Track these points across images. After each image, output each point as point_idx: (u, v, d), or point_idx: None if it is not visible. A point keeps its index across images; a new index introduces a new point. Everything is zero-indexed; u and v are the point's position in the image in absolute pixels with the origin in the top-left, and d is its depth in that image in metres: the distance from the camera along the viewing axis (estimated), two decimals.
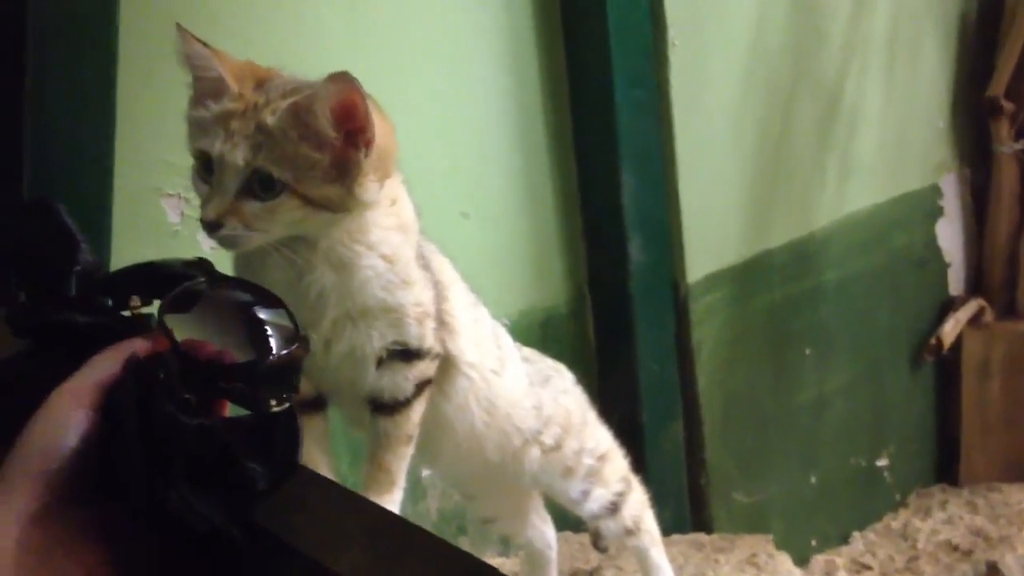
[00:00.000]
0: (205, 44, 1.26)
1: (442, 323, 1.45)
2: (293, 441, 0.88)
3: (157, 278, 0.98)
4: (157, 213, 1.93)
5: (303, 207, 1.25)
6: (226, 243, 1.25)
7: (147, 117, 1.86)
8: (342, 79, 1.20)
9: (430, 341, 1.42)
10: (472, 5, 2.45)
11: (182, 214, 1.95)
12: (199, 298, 0.95)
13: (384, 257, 1.34)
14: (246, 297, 0.97)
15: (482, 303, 1.60)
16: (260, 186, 1.22)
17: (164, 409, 0.84)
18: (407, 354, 1.40)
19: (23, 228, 1.03)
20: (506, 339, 1.67)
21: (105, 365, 0.89)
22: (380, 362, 1.39)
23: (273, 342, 0.93)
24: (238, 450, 0.85)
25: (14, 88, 1.54)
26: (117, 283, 0.99)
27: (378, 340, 1.37)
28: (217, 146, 1.21)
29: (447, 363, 1.48)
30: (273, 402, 0.89)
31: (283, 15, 2.12)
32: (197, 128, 1.25)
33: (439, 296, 1.44)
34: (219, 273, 0.99)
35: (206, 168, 1.24)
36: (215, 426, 0.85)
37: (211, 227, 1.23)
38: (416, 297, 1.38)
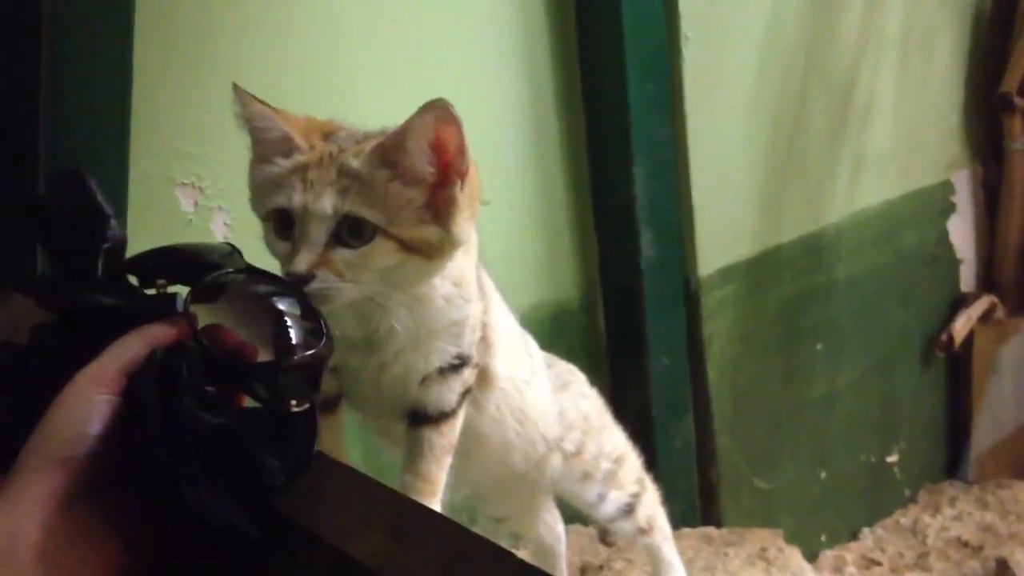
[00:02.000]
0: (265, 103, 1.22)
1: (482, 337, 1.43)
2: (310, 436, 0.87)
3: (186, 263, 0.96)
4: (171, 202, 1.94)
5: (398, 251, 1.19)
6: (317, 298, 1.14)
7: (162, 107, 1.87)
8: (440, 107, 1.15)
9: (475, 348, 1.40)
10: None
11: (196, 203, 1.96)
12: (226, 288, 0.94)
13: (455, 283, 1.32)
14: (273, 291, 0.96)
15: (511, 313, 1.57)
16: (350, 233, 1.18)
17: (184, 404, 0.83)
18: (459, 366, 1.38)
19: (54, 199, 1.01)
20: (533, 346, 1.66)
21: (129, 350, 0.89)
22: (427, 376, 1.37)
23: (297, 341, 0.92)
24: (255, 446, 0.84)
25: (31, 78, 1.54)
26: (145, 265, 0.97)
27: (437, 360, 1.35)
28: (297, 198, 1.17)
29: (483, 376, 1.46)
30: (294, 402, 0.87)
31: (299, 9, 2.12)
32: (267, 186, 1.20)
33: (485, 310, 1.43)
34: (248, 264, 0.98)
35: (284, 225, 1.19)
36: (234, 424, 0.84)
37: (301, 281, 1.15)
38: (475, 309, 1.37)
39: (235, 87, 1.21)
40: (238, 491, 0.84)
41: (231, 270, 0.95)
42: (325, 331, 0.92)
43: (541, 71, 2.57)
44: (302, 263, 1.16)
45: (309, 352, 0.90)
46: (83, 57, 1.62)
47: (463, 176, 1.20)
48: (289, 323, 0.93)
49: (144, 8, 1.74)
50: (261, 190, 1.22)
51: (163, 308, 0.94)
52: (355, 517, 0.87)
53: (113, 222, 0.97)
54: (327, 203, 1.16)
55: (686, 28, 2.68)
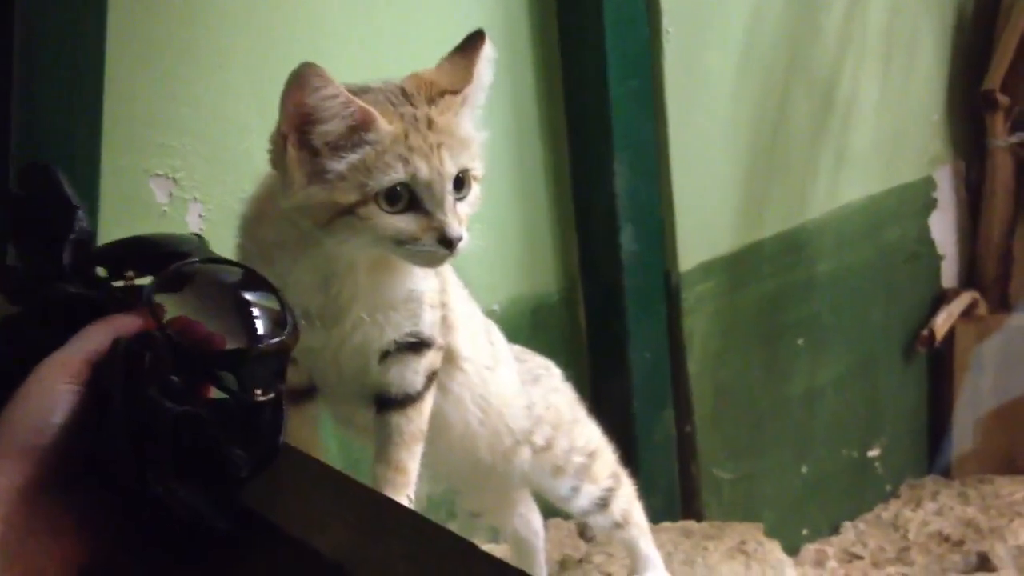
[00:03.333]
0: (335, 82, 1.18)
1: (443, 317, 1.43)
2: (277, 426, 0.87)
3: (151, 253, 0.96)
4: (146, 194, 1.93)
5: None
6: (459, 253, 1.22)
7: (137, 98, 1.85)
8: (481, 35, 1.25)
9: (437, 330, 1.40)
10: None
11: (170, 195, 1.95)
12: (191, 278, 0.93)
13: None
14: (238, 281, 0.94)
15: (472, 300, 1.57)
16: (456, 187, 1.22)
17: (148, 394, 0.83)
18: (418, 345, 1.37)
19: (21, 191, 1.01)
20: (498, 336, 1.66)
21: (94, 339, 0.88)
22: (385, 355, 1.36)
23: (262, 329, 0.90)
24: (221, 435, 0.84)
25: (1, 69, 1.53)
26: (111, 255, 0.98)
27: (392, 332, 1.34)
28: (423, 168, 1.17)
29: (446, 355, 1.46)
30: (259, 392, 0.86)
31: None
32: (360, 169, 1.18)
33: (443, 289, 1.43)
34: (213, 253, 0.98)
35: (396, 201, 1.19)
36: (199, 413, 0.83)
37: (456, 243, 1.20)
38: (431, 284, 1.37)
39: (309, 65, 1.15)
40: (205, 483, 0.83)
41: (196, 260, 0.94)
42: (291, 320, 0.91)
43: (523, 66, 2.57)
44: (455, 224, 1.20)
45: (275, 340, 0.89)
46: (55, 48, 1.60)
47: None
48: (255, 312, 0.92)
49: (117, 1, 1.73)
50: (351, 177, 1.18)
51: (130, 299, 0.94)
52: (322, 511, 0.87)
53: (81, 213, 0.97)
54: (450, 164, 1.19)
55: (667, 24, 2.69)
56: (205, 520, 0.83)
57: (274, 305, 0.92)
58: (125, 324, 0.90)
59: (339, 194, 1.18)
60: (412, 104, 1.21)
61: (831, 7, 3.17)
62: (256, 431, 0.86)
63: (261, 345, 0.89)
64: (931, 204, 3.73)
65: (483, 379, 1.55)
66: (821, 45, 3.17)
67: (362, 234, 1.20)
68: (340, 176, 1.18)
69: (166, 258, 0.94)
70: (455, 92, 1.23)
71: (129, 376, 0.84)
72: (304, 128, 1.18)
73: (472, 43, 1.25)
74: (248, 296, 0.93)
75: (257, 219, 1.32)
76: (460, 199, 1.22)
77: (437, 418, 1.47)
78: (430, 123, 1.19)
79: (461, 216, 1.22)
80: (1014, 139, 3.77)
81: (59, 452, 0.83)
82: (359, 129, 1.18)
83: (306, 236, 1.25)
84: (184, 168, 1.96)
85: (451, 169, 1.19)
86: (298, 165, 1.19)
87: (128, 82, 1.83)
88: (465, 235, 1.21)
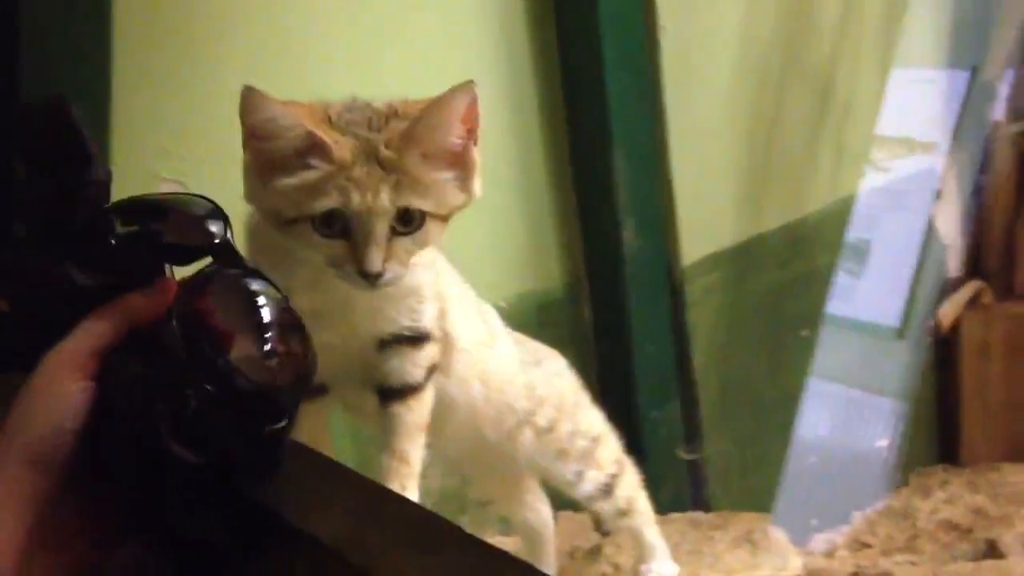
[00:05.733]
0: (283, 103, 1.22)
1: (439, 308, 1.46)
2: (283, 444, 0.84)
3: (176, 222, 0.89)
4: None
5: (441, 226, 1.27)
6: (382, 287, 1.24)
7: (144, 103, 1.88)
8: (468, 86, 1.22)
9: (435, 323, 1.43)
10: None
11: None
12: (213, 281, 0.86)
13: None
14: (276, 309, 0.85)
15: (464, 283, 1.60)
16: (402, 221, 1.23)
17: (160, 431, 0.79)
18: (417, 339, 1.41)
19: (28, 139, 0.90)
20: (492, 315, 1.69)
21: (105, 327, 0.84)
22: (383, 344, 1.40)
23: (289, 364, 0.83)
24: (231, 463, 0.81)
25: (7, 81, 1.55)
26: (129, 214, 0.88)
27: (392, 326, 1.38)
28: (356, 199, 1.19)
29: (445, 342, 1.49)
30: (271, 425, 0.82)
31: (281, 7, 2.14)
32: (301, 191, 1.21)
33: (436, 281, 1.45)
34: (240, 259, 0.90)
35: (330, 226, 1.22)
36: (212, 431, 0.80)
37: (374, 277, 1.22)
38: (428, 277, 1.40)
39: (249, 89, 1.20)
40: (213, 502, 0.82)
41: (224, 267, 0.87)
42: (309, 353, 0.86)
43: (520, 62, 2.59)
44: (376, 261, 1.21)
45: (298, 376, 0.84)
46: (62, 55, 1.63)
47: (477, 138, 1.27)
48: (293, 347, 0.85)
49: (123, 5, 1.75)
50: (292, 195, 1.22)
51: (140, 278, 0.88)
52: (320, 499, 0.88)
53: (96, 163, 0.88)
54: (385, 200, 1.20)
55: (664, 19, 2.70)
56: (219, 543, 0.84)
57: (298, 334, 0.86)
58: (139, 309, 0.85)
59: (282, 208, 1.23)
60: (367, 136, 1.23)
61: None
62: (265, 455, 0.83)
63: (278, 383, 0.82)
64: (935, 194, 3.73)
65: (482, 356, 1.59)
66: (818, 36, 3.18)
67: (303, 248, 1.25)
68: (282, 192, 1.22)
69: (191, 225, 0.88)
70: (402, 120, 1.24)
71: (140, 374, 0.81)
72: (254, 141, 1.23)
73: (457, 89, 1.24)
74: (269, 317, 0.85)
75: (261, 221, 1.35)
76: (404, 234, 1.24)
77: (443, 399, 1.50)
78: (381, 158, 1.21)
79: (399, 252, 1.23)
80: (1016, 128, 3.78)
81: (74, 459, 0.81)
82: (306, 152, 1.21)
83: None
84: (192, 173, 1.98)
85: (386, 205, 1.20)
86: (251, 172, 1.25)
87: (135, 87, 1.86)
88: (393, 272, 1.23)
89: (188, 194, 0.92)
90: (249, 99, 1.20)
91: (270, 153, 1.23)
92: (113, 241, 0.87)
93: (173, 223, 0.89)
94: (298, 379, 0.84)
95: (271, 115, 1.20)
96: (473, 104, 1.24)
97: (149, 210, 0.90)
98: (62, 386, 0.82)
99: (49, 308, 0.87)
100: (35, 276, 0.88)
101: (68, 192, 0.87)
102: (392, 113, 1.26)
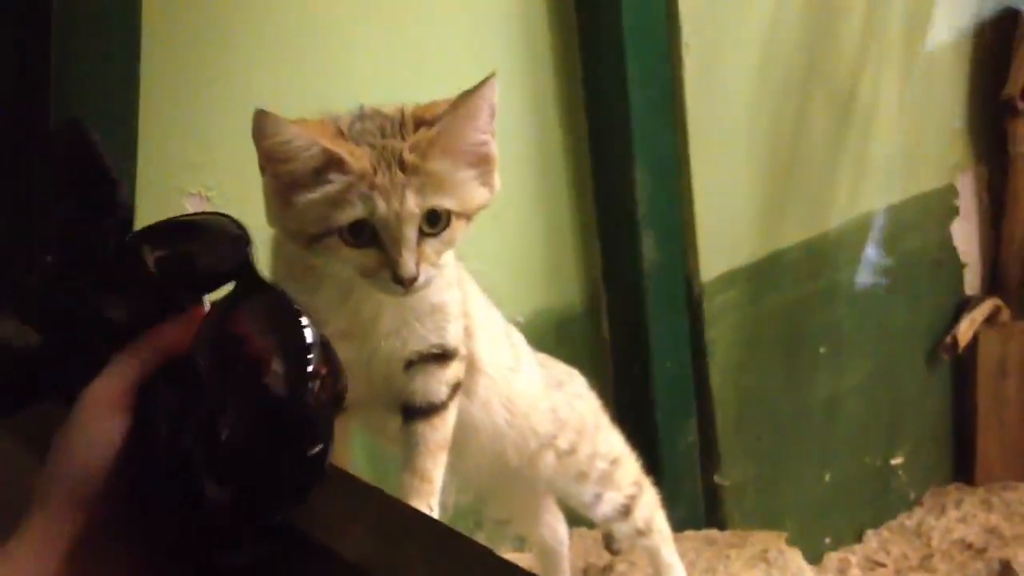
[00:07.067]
0: (295, 122, 1.21)
1: (464, 327, 1.45)
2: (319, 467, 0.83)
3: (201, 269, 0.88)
4: (179, 212, 1.96)
5: (467, 225, 1.27)
6: (417, 291, 1.25)
7: (170, 118, 1.89)
8: (493, 78, 1.24)
9: (461, 341, 1.43)
10: (487, 5, 2.47)
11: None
12: (246, 305, 0.85)
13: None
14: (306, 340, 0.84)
15: (492, 305, 1.60)
16: (429, 223, 1.23)
17: (192, 470, 0.79)
18: (442, 357, 1.40)
19: (51, 165, 0.89)
20: (518, 338, 1.69)
21: (139, 362, 0.85)
22: (409, 365, 1.39)
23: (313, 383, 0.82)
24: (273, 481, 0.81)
25: (38, 94, 1.56)
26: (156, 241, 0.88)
27: (418, 344, 1.38)
28: (381, 206, 1.20)
29: (469, 363, 1.48)
30: (311, 448, 0.81)
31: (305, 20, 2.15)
32: (322, 205, 1.21)
33: (464, 299, 1.45)
34: (263, 281, 0.89)
35: (358, 237, 1.22)
36: (248, 459, 0.80)
37: (409, 282, 1.22)
38: (455, 295, 1.40)
39: (261, 113, 1.19)
40: (249, 532, 0.82)
41: (249, 290, 0.86)
42: (341, 380, 0.86)
43: (543, 77, 2.60)
44: (411, 265, 1.22)
45: (334, 396, 0.84)
46: (90, 69, 1.64)
47: (494, 133, 1.27)
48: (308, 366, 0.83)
49: (150, 20, 1.77)
50: (315, 210, 1.22)
51: (170, 308, 0.87)
52: (344, 516, 0.88)
53: (121, 187, 0.88)
54: (412, 204, 1.21)
55: (687, 35, 2.70)
56: (254, 570, 0.84)
57: (329, 358, 0.85)
58: (172, 340, 0.85)
59: (306, 224, 1.23)
60: (402, 136, 1.24)
61: (849, 15, 3.18)
62: (305, 477, 0.82)
63: (310, 405, 0.82)
64: (953, 211, 3.73)
65: (507, 381, 1.58)
66: (840, 53, 3.18)
67: (332, 261, 1.25)
68: (305, 208, 1.22)
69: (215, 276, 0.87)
70: (430, 124, 1.24)
71: (175, 409, 0.81)
72: (271, 165, 1.23)
73: (484, 82, 1.26)
74: (318, 341, 0.84)
75: (285, 241, 1.36)
76: (432, 235, 1.24)
77: (466, 423, 1.50)
78: (402, 161, 1.21)
79: (429, 253, 1.24)
80: None
81: (114, 498, 0.82)
82: (324, 168, 1.21)
83: None
84: (217, 187, 2.00)
85: (413, 209, 1.20)
86: (272, 194, 1.26)
87: (161, 101, 1.87)
88: (426, 273, 1.24)
89: (211, 214, 0.92)
90: (262, 122, 1.20)
91: (289, 175, 1.23)
92: (150, 268, 0.86)
93: (200, 249, 0.89)
94: (335, 399, 0.84)
95: (285, 137, 1.20)
96: (494, 99, 1.26)
97: (176, 236, 0.90)
98: (100, 424, 0.83)
99: (81, 340, 0.87)
100: (66, 308, 0.87)
101: (95, 217, 0.86)
102: (411, 117, 1.27)
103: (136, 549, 0.83)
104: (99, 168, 0.88)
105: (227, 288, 0.88)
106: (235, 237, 0.88)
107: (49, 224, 0.89)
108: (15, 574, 0.79)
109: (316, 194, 1.22)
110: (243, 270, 0.87)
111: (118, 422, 0.83)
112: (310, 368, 0.81)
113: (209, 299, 0.89)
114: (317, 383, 0.81)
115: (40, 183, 0.92)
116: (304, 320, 0.84)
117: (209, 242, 0.89)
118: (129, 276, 0.87)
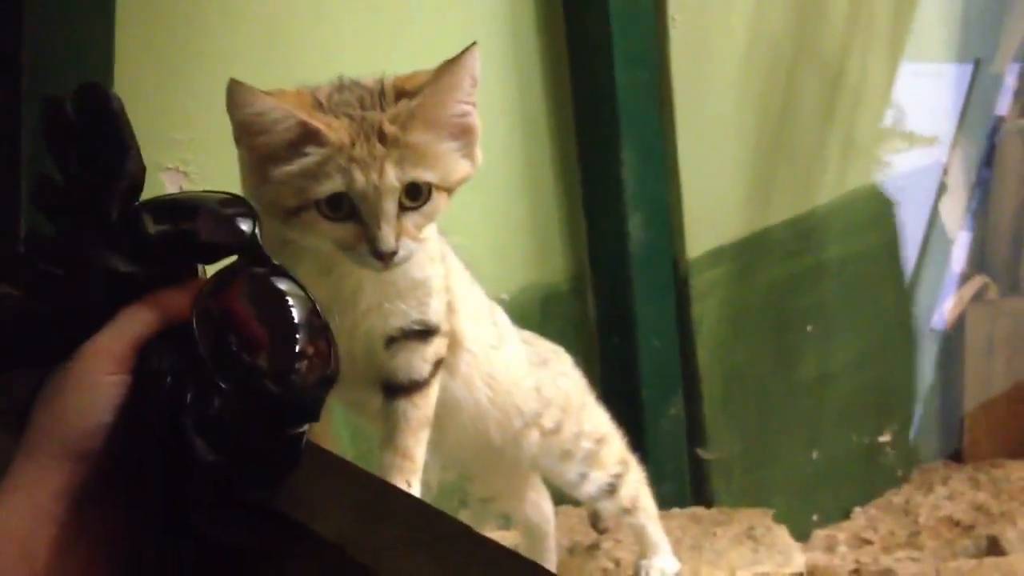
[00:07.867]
0: (270, 94, 1.19)
1: (447, 302, 1.44)
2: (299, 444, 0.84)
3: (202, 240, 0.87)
4: (157, 187, 1.95)
5: (447, 197, 1.25)
6: (397, 264, 1.23)
7: (146, 92, 1.87)
8: (474, 48, 1.22)
9: (443, 317, 1.41)
10: None
11: (181, 188, 1.97)
12: (240, 280, 0.85)
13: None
14: (291, 294, 0.86)
15: (475, 281, 1.58)
16: (410, 196, 1.21)
17: (188, 435, 0.79)
18: (424, 333, 1.39)
19: (59, 129, 0.87)
20: (502, 317, 1.67)
21: (140, 321, 0.83)
22: (391, 341, 1.38)
23: (305, 364, 0.83)
24: (255, 456, 0.81)
25: (11, 68, 1.54)
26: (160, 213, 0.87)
27: (399, 320, 1.36)
28: (359, 179, 1.18)
29: (451, 339, 1.47)
30: (295, 427, 0.82)
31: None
32: (300, 178, 1.19)
33: (447, 275, 1.44)
34: (267, 256, 0.88)
35: (337, 210, 1.20)
36: (235, 430, 0.80)
37: (388, 256, 1.21)
38: (438, 270, 1.38)
39: (235, 83, 1.17)
40: (233, 503, 0.82)
41: (251, 265, 0.86)
42: (333, 358, 0.86)
43: (528, 55, 2.58)
44: (390, 239, 1.20)
45: (323, 377, 0.84)
46: (64, 44, 1.62)
47: (475, 103, 1.25)
48: (302, 343, 0.84)
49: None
50: (292, 183, 1.20)
51: (174, 272, 0.87)
52: (323, 495, 0.87)
53: (133, 152, 0.87)
54: (392, 177, 1.19)
55: (673, 11, 2.69)
56: (238, 545, 0.83)
57: (323, 336, 0.86)
58: (173, 305, 0.84)
59: (283, 198, 1.21)
60: (381, 107, 1.22)
61: None
62: (285, 456, 0.83)
63: (299, 388, 0.82)
64: (941, 188, 3.72)
65: (489, 358, 1.56)
66: (828, 30, 3.16)
67: (310, 235, 1.24)
68: (282, 181, 1.20)
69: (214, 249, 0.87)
70: (411, 96, 1.22)
71: (166, 399, 0.80)
72: (247, 137, 1.21)
73: (465, 51, 1.24)
74: (299, 322, 0.85)
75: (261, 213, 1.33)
76: (412, 208, 1.22)
77: (448, 400, 1.48)
78: (382, 133, 1.19)
79: (409, 227, 1.22)
80: None
81: (109, 455, 0.81)
82: (300, 141, 1.19)
83: None
84: (195, 162, 1.98)
85: (393, 182, 1.19)
86: (247, 167, 1.23)
87: (137, 76, 1.85)
88: (406, 247, 1.22)
89: (217, 191, 0.91)
90: (235, 93, 1.18)
91: (264, 147, 1.21)
92: (151, 235, 0.85)
93: (204, 221, 0.88)
94: (323, 380, 0.83)
95: (259, 108, 1.18)
96: (476, 66, 1.24)
97: (180, 209, 0.89)
98: (98, 378, 0.81)
99: (87, 300, 0.85)
100: (72, 265, 0.85)
101: (103, 183, 0.85)
102: (392, 88, 1.24)
103: (134, 508, 0.83)
104: (112, 133, 0.86)
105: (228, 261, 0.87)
106: (239, 211, 0.88)
107: (54, 189, 0.87)
108: (11, 517, 0.78)
109: (293, 167, 1.20)
110: (248, 245, 0.86)
111: (116, 378, 0.81)
112: (296, 348, 0.81)
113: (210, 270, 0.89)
114: (304, 363, 0.81)
115: (45, 148, 0.87)
116: (292, 300, 0.83)
117: (213, 217, 0.88)
118: (135, 243, 0.85)
